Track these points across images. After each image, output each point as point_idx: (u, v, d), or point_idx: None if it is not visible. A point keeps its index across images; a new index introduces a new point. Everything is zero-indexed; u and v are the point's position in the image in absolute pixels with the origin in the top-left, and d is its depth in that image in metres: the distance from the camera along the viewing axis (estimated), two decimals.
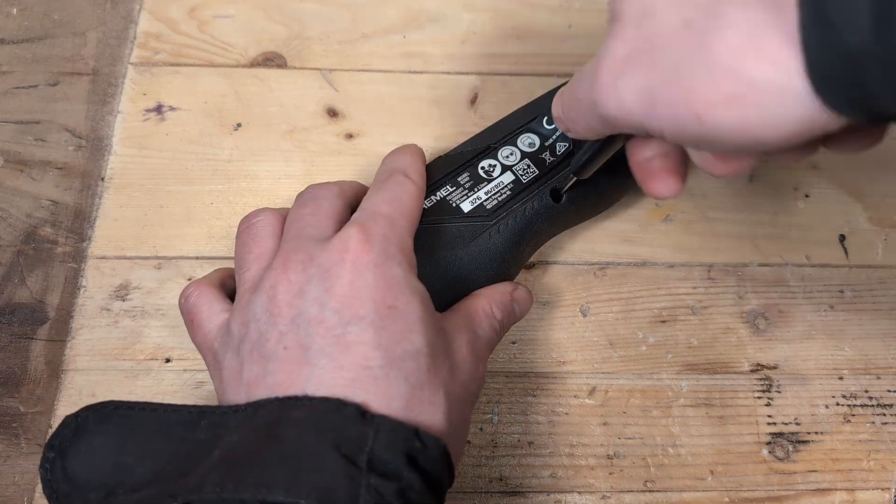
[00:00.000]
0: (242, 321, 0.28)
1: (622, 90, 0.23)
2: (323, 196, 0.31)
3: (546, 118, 0.36)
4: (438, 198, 0.34)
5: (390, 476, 0.23)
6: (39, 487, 0.33)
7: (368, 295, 0.26)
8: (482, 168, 0.35)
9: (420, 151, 0.35)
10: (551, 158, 0.35)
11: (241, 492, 0.22)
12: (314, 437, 0.23)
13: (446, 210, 0.34)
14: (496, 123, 0.37)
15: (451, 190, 0.34)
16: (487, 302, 0.32)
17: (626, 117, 0.23)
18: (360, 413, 0.24)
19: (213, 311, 0.30)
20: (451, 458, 0.25)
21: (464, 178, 0.35)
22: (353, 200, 0.32)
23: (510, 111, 0.42)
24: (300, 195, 0.32)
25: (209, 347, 0.29)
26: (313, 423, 0.24)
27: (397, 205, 0.30)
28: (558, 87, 0.38)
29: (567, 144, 0.36)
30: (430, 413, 0.25)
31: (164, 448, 0.25)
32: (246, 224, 0.32)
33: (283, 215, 0.32)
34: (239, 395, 0.26)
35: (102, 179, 0.39)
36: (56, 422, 0.34)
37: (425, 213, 0.33)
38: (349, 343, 0.25)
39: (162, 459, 0.25)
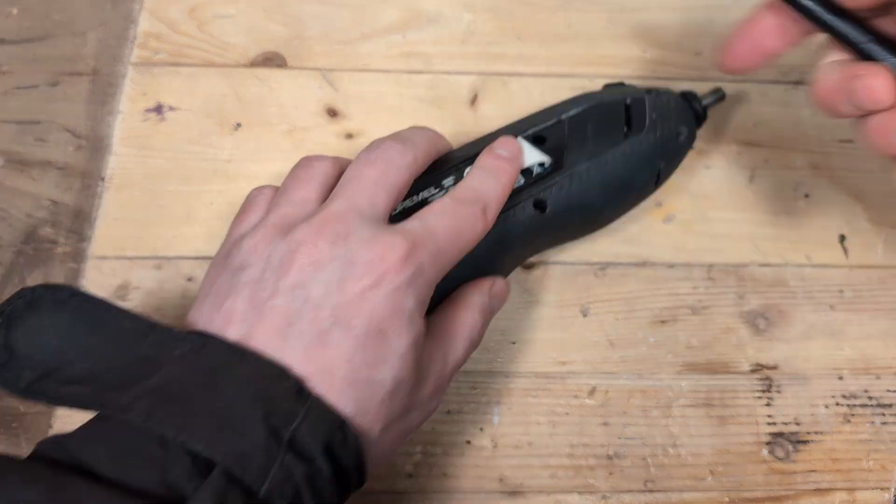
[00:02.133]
0: (254, 249, 0.27)
1: None
2: (396, 163, 0.29)
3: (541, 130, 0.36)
4: (420, 199, 0.33)
5: (305, 458, 0.23)
6: None
7: (369, 310, 0.25)
8: (467, 172, 0.34)
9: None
10: (539, 169, 0.34)
11: (164, 428, 0.22)
12: (249, 400, 0.23)
13: None
14: (493, 132, 0.36)
15: (433, 192, 0.33)
16: (469, 312, 0.31)
17: None
18: (298, 389, 0.24)
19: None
20: (364, 463, 0.25)
21: (448, 181, 0.34)
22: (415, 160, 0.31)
23: (510, 111, 0.42)
24: (370, 149, 0.30)
25: (235, 240, 0.29)
26: (253, 385, 0.24)
27: (456, 241, 0.28)
28: (555, 105, 0.37)
29: (553, 160, 0.34)
30: (359, 435, 0.25)
31: (107, 351, 0.25)
32: (307, 163, 0.31)
33: (343, 167, 0.31)
34: (213, 318, 0.26)
35: (102, 179, 0.39)
36: (56, 422, 0.34)
37: (405, 213, 0.32)
38: (326, 343, 0.25)
39: (102, 361, 0.24)
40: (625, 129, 0.35)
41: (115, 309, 0.26)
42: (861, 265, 0.39)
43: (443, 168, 0.34)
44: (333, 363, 0.25)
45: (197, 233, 0.38)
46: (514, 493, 0.34)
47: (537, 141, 0.35)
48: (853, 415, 0.36)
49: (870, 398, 0.37)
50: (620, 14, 0.44)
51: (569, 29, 0.44)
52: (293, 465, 0.23)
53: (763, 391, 0.36)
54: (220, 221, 0.39)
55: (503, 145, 0.33)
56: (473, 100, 0.42)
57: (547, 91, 0.42)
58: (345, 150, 0.40)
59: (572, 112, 0.35)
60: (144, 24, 0.43)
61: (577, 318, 0.37)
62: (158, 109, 0.41)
